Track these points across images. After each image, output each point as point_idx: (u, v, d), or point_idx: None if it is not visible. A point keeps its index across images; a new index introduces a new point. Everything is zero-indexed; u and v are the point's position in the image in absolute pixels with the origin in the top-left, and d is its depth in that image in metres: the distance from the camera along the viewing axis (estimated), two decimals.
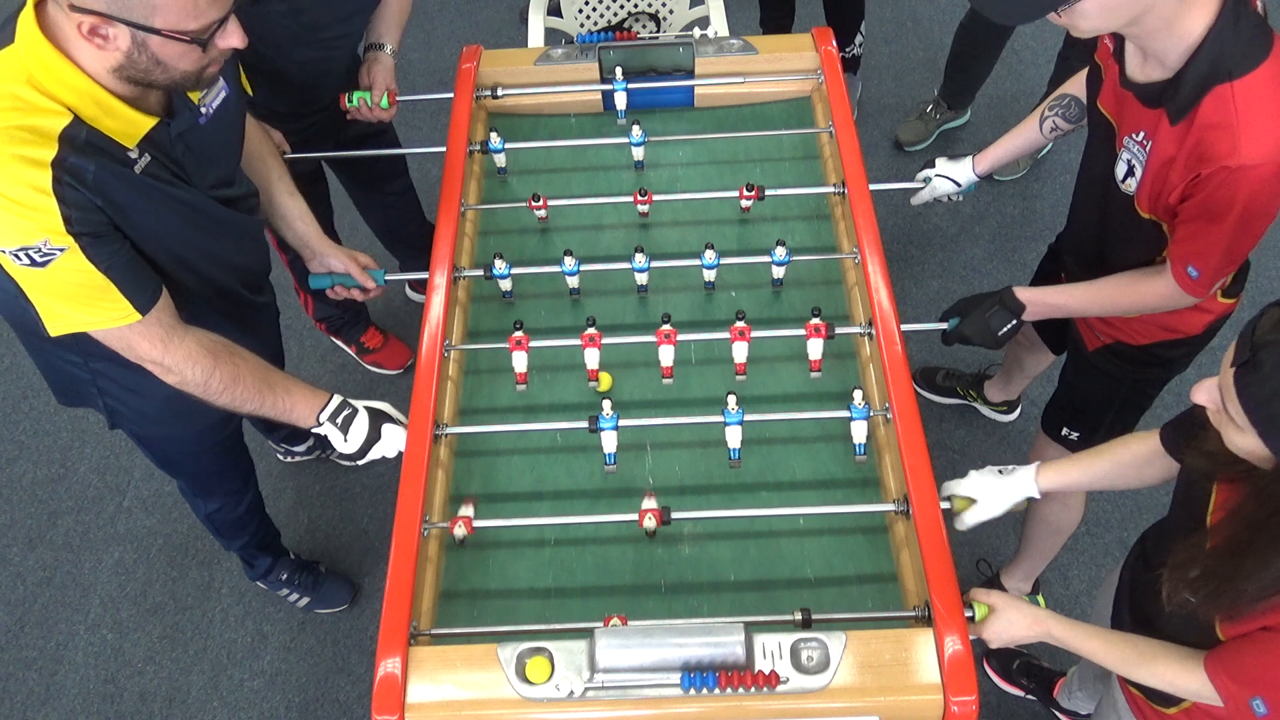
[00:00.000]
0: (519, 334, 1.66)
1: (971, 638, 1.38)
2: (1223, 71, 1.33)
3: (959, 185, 1.97)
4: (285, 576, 2.40)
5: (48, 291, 1.36)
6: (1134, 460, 1.43)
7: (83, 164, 1.30)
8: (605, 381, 1.75)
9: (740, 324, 1.64)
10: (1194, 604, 1.18)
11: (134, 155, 1.38)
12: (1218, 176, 1.35)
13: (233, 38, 1.34)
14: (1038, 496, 1.48)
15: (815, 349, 1.66)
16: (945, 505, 1.52)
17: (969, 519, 1.51)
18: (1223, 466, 1.17)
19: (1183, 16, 1.31)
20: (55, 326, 1.40)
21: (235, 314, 1.69)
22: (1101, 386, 1.87)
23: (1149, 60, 1.42)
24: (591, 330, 1.65)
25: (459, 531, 1.50)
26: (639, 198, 1.89)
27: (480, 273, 1.84)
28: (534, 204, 1.91)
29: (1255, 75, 1.32)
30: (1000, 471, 1.51)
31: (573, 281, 1.84)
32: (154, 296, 1.43)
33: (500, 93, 2.11)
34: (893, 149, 3.32)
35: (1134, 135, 1.49)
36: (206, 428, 1.86)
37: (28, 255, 1.29)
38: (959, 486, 1.53)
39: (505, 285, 1.85)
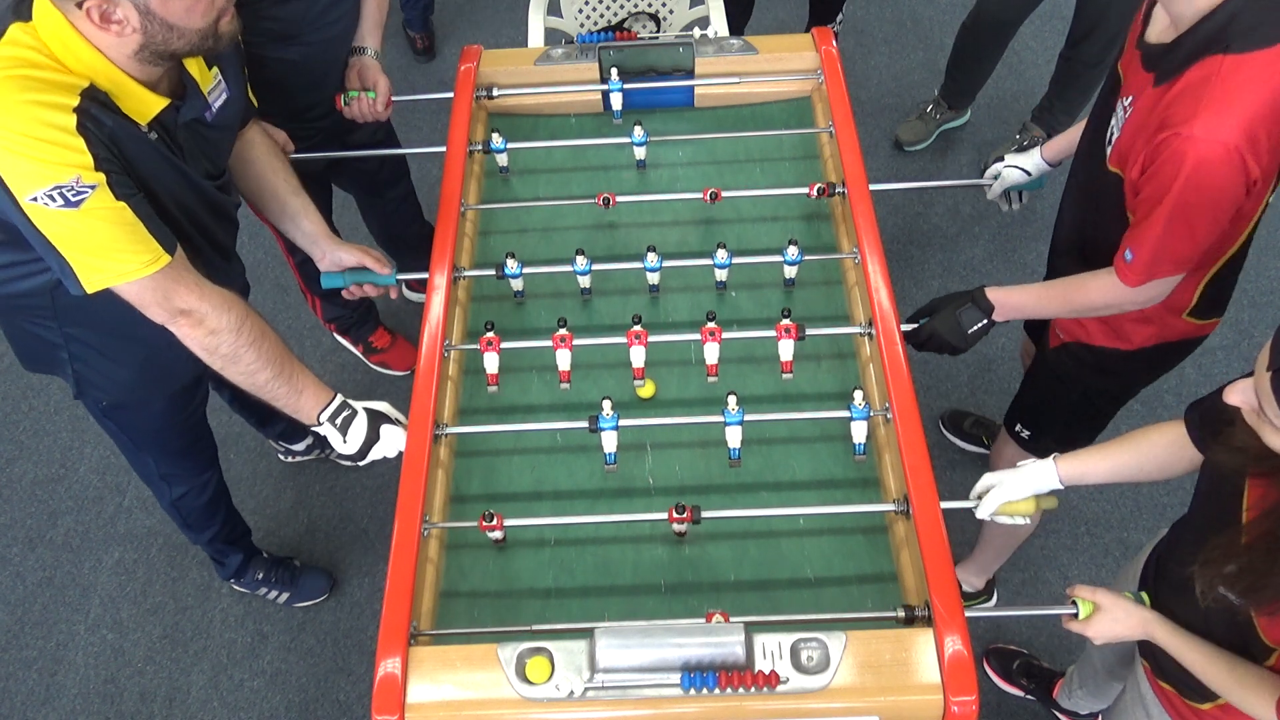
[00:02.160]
0: (490, 334, 1.67)
1: (1076, 634, 1.39)
2: (1222, 42, 1.25)
3: (1029, 174, 1.90)
4: (261, 575, 2.41)
5: (80, 239, 1.35)
6: (1155, 451, 1.41)
7: (101, 116, 1.34)
8: (648, 389, 1.74)
9: (711, 325, 1.64)
10: (1232, 600, 1.17)
11: (144, 130, 1.42)
12: (1169, 145, 1.27)
13: None
14: (1060, 487, 1.46)
15: (786, 350, 1.66)
16: (975, 504, 1.53)
17: (988, 504, 1.50)
18: (1254, 462, 1.16)
19: None
20: (91, 281, 1.38)
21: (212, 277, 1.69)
22: (1055, 389, 1.87)
23: (1172, 23, 1.34)
24: (563, 331, 1.65)
25: (494, 535, 1.52)
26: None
27: (484, 272, 1.84)
28: (600, 199, 1.89)
29: (1256, 56, 1.23)
30: (1019, 465, 1.50)
31: (584, 281, 1.84)
32: (175, 240, 1.45)
33: (498, 92, 2.11)
34: (893, 149, 3.32)
35: (1124, 100, 1.42)
36: (175, 395, 1.87)
37: (61, 195, 1.30)
38: (979, 484, 1.53)
39: (517, 285, 1.85)
